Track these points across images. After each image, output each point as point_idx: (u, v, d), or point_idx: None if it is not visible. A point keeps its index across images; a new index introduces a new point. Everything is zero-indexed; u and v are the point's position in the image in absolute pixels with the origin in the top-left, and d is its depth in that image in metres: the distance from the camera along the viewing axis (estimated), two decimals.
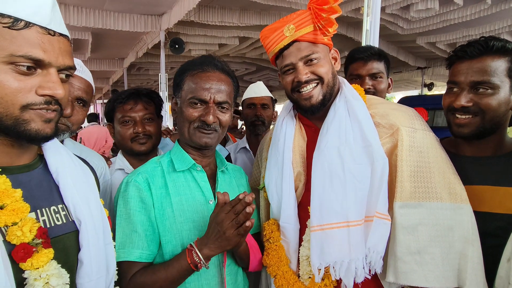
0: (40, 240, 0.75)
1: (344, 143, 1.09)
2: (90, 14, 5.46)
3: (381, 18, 1.96)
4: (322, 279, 1.07)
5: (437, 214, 1.01)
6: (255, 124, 2.08)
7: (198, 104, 1.11)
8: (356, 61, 1.61)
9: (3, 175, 0.74)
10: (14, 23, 0.69)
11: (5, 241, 0.71)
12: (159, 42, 6.31)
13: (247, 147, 2.15)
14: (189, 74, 1.15)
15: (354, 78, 1.63)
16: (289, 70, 1.16)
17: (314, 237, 1.05)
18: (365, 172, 1.05)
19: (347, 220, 1.02)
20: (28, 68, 0.71)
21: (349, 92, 1.19)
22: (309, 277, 1.12)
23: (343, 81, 1.24)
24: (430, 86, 10.97)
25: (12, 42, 0.69)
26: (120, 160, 1.56)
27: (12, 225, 0.72)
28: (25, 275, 0.72)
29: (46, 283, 0.73)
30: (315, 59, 1.13)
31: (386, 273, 1.02)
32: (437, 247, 0.99)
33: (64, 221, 0.84)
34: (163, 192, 1.10)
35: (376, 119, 1.13)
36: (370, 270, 1.02)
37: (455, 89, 1.14)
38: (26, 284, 0.72)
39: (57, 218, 0.83)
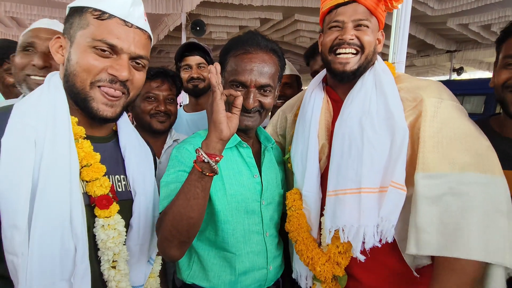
0: (112, 195, 0.91)
1: (366, 113, 1.09)
2: None
3: None
4: (337, 246, 1.11)
5: (464, 184, 0.96)
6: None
7: (240, 87, 1.11)
8: None
9: (88, 140, 0.90)
10: (101, 15, 0.85)
11: (84, 193, 0.88)
12: (180, 24, 6.28)
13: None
14: (232, 54, 1.13)
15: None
16: (336, 27, 1.15)
17: (329, 202, 1.10)
18: (384, 142, 1.04)
19: (360, 186, 1.04)
20: (103, 50, 0.85)
21: (379, 66, 1.18)
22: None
23: (377, 58, 1.25)
24: (459, 71, 10.42)
25: (96, 29, 0.85)
26: None
27: (94, 180, 0.88)
28: (97, 220, 0.89)
29: (114, 228, 0.90)
30: (366, 26, 1.12)
31: (407, 245, 1.01)
32: (463, 218, 0.94)
33: (124, 190, 1.00)
34: None
35: (402, 93, 1.11)
36: (381, 240, 1.03)
37: None
38: (95, 227, 0.89)
39: (118, 185, 0.98)
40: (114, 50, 0.87)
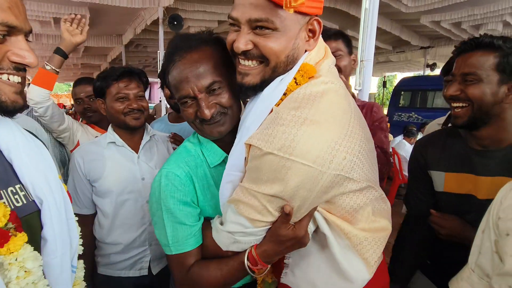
0: (14, 225, 0.71)
1: (241, 139, 0.92)
2: None
3: None
4: None
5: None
6: None
7: (189, 101, 0.97)
8: None
9: None
10: None
11: None
12: (158, 18, 6.17)
13: None
14: (167, 73, 1.01)
15: None
16: (234, 25, 0.86)
17: None
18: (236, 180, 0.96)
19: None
20: (3, 36, 0.67)
21: (283, 78, 0.89)
22: None
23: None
24: (432, 67, 10.78)
25: None
26: (111, 134, 1.69)
27: None
28: None
29: (21, 266, 0.70)
30: (268, 29, 0.81)
31: None
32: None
33: (25, 202, 0.79)
34: (205, 184, 1.06)
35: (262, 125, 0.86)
36: None
37: (452, 81, 1.27)
38: None
39: (16, 199, 0.77)
40: (10, 31, 0.68)
